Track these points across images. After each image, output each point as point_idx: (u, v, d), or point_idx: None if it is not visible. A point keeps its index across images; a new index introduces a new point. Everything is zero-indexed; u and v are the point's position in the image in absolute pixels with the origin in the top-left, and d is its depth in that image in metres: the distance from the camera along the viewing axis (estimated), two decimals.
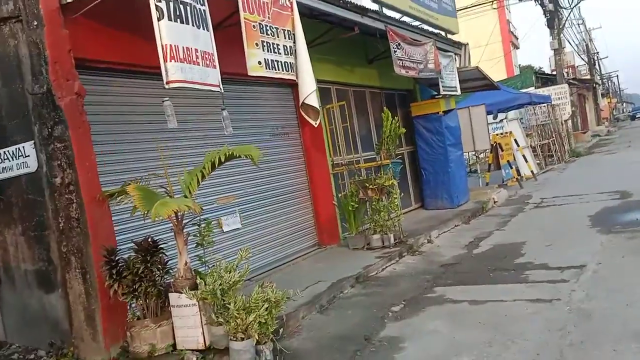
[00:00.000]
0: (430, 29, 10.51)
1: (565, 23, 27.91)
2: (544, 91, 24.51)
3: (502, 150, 14.44)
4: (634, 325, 3.86)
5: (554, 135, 20.29)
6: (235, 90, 6.63)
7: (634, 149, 19.98)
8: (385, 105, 10.77)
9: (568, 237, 7.06)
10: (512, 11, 45.84)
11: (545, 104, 20.49)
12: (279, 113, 7.58)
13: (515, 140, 15.49)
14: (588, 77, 47.64)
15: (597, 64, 58.92)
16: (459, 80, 11.47)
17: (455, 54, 11.50)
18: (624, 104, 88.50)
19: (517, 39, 48.17)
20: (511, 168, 14.38)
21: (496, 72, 32.63)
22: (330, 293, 5.58)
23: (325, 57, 8.55)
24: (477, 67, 11.54)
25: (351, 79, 9.40)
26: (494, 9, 27.85)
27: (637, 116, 62.76)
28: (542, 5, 25.40)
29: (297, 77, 5.92)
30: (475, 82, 13.35)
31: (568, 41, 36.35)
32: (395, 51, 8.47)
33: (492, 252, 6.98)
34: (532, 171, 15.38)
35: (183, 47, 4.25)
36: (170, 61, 4.11)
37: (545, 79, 29.40)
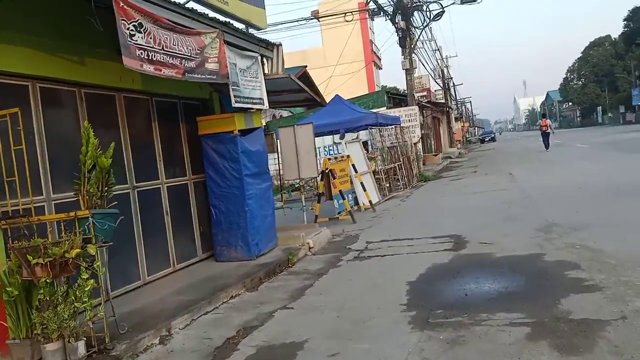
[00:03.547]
0: (221, 17, 7.61)
1: (416, 43, 27.13)
2: (394, 112, 23.24)
3: (334, 178, 12.04)
4: None
5: (401, 159, 18.68)
6: None
7: (479, 174, 19.29)
8: (157, 118, 7.72)
9: (368, 335, 4.47)
10: (376, 31, 45.88)
11: (394, 126, 18.86)
12: None
13: (353, 166, 13.27)
14: (443, 101, 49.06)
15: (451, 89, 61.72)
16: (270, 91, 8.80)
17: (263, 55, 8.76)
18: (476, 127, 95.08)
19: (380, 59, 48.42)
20: (343, 199, 12.03)
21: (358, 92, 31.25)
22: None
23: (14, 32, 5.28)
24: (289, 74, 8.89)
25: (79, 74, 6.14)
26: (347, 21, 26.25)
27: (486, 139, 66.81)
28: (394, 22, 24.27)
29: None
30: (298, 95, 10.83)
31: (423, 64, 36.44)
32: (131, 34, 5.44)
33: None
34: (370, 201, 13.23)
35: None
36: None
37: (399, 100, 28.44)
